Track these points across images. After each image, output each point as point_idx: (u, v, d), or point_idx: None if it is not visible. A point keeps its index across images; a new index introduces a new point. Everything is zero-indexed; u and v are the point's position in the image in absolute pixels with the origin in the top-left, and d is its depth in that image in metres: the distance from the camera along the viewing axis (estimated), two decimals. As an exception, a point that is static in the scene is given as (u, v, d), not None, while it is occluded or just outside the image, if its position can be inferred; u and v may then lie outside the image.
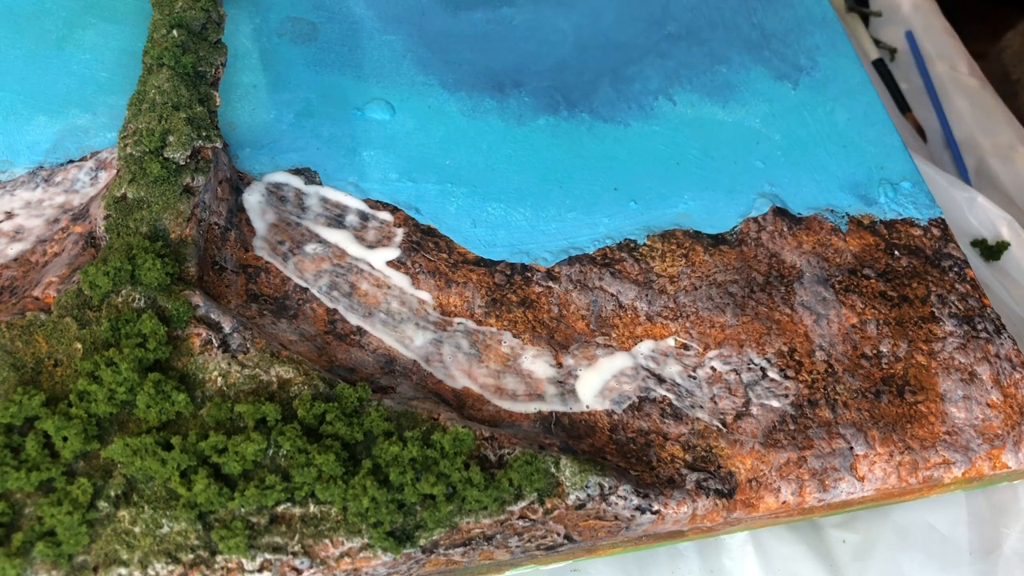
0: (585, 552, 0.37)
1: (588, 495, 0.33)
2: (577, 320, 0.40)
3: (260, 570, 0.31)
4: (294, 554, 0.32)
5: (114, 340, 0.34)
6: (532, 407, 0.37)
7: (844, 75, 0.51)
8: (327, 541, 0.32)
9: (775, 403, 0.39)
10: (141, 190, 0.37)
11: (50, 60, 0.44)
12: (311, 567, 0.32)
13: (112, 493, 0.31)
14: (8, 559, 0.30)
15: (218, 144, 0.40)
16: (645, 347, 0.39)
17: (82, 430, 0.32)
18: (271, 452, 0.33)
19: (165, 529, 0.31)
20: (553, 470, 0.33)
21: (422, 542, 0.32)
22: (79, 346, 0.34)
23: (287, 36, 0.47)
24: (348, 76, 0.46)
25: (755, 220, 0.44)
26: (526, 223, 0.42)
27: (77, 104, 0.43)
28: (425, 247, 0.41)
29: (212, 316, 0.35)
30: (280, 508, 0.32)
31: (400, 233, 0.41)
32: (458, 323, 0.39)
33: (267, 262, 0.39)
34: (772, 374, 0.39)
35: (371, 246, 0.40)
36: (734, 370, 0.39)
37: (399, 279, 0.40)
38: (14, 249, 0.38)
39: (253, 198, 0.41)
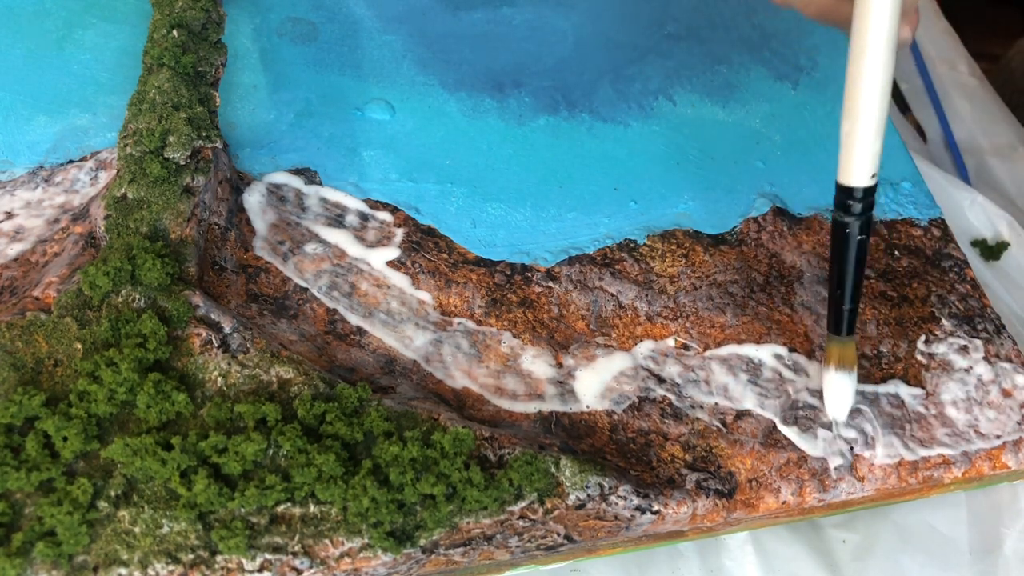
0: (585, 552, 0.37)
1: (588, 495, 0.33)
2: (577, 320, 0.40)
3: (260, 570, 0.31)
4: (294, 554, 0.32)
5: (114, 340, 0.34)
6: (532, 407, 0.37)
7: (844, 75, 0.51)
8: (327, 541, 0.32)
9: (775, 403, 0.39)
10: (141, 190, 0.37)
11: (50, 60, 0.44)
12: (311, 567, 0.32)
13: (112, 493, 0.31)
14: (8, 559, 0.30)
15: (218, 144, 0.40)
16: (645, 347, 0.39)
17: (82, 430, 0.32)
18: (271, 452, 0.33)
19: (165, 529, 0.31)
20: (553, 470, 0.33)
21: (422, 542, 0.32)
22: (79, 346, 0.34)
23: (287, 36, 0.47)
24: (348, 76, 0.46)
25: (755, 220, 0.44)
26: (526, 223, 0.42)
27: (77, 104, 0.43)
28: (425, 247, 0.41)
29: (212, 316, 0.35)
30: (280, 508, 0.32)
31: (400, 233, 0.41)
32: (458, 323, 0.39)
33: (267, 262, 0.39)
34: (772, 374, 0.39)
35: (371, 246, 0.40)
36: (734, 370, 0.39)
37: (399, 279, 0.40)
38: (14, 249, 0.38)
39: (253, 198, 0.41)
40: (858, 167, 0.34)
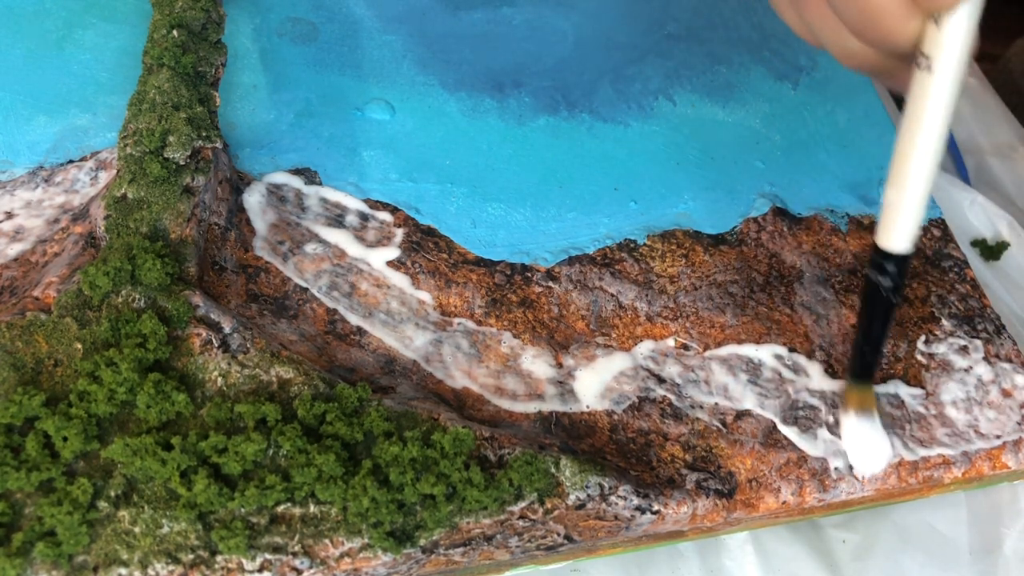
0: (585, 552, 0.37)
1: (588, 495, 0.33)
2: (577, 320, 0.40)
3: (260, 570, 0.31)
4: (294, 554, 0.32)
5: (114, 340, 0.34)
6: (532, 407, 0.37)
7: (844, 75, 0.51)
8: (327, 541, 0.32)
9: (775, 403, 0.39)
10: (141, 190, 0.37)
11: (50, 60, 0.44)
12: (311, 567, 0.32)
13: (112, 493, 0.31)
14: (8, 559, 0.30)
15: (218, 144, 0.40)
16: (645, 347, 0.39)
17: (82, 430, 0.32)
18: (271, 452, 0.33)
19: (165, 529, 0.31)
20: (553, 470, 0.33)
21: (422, 542, 0.32)
22: (79, 346, 0.34)
23: (287, 36, 0.47)
24: (348, 76, 0.46)
25: (755, 220, 0.44)
26: (526, 223, 0.42)
27: (77, 104, 0.43)
28: (425, 247, 0.41)
29: (212, 316, 0.35)
30: (280, 508, 0.32)
31: (400, 233, 0.41)
32: (458, 323, 0.39)
33: (267, 262, 0.39)
34: (772, 374, 0.39)
35: (371, 246, 0.40)
36: (734, 370, 0.39)
37: (399, 279, 0.40)
38: (14, 249, 0.38)
39: (253, 198, 0.41)
40: (899, 234, 0.33)
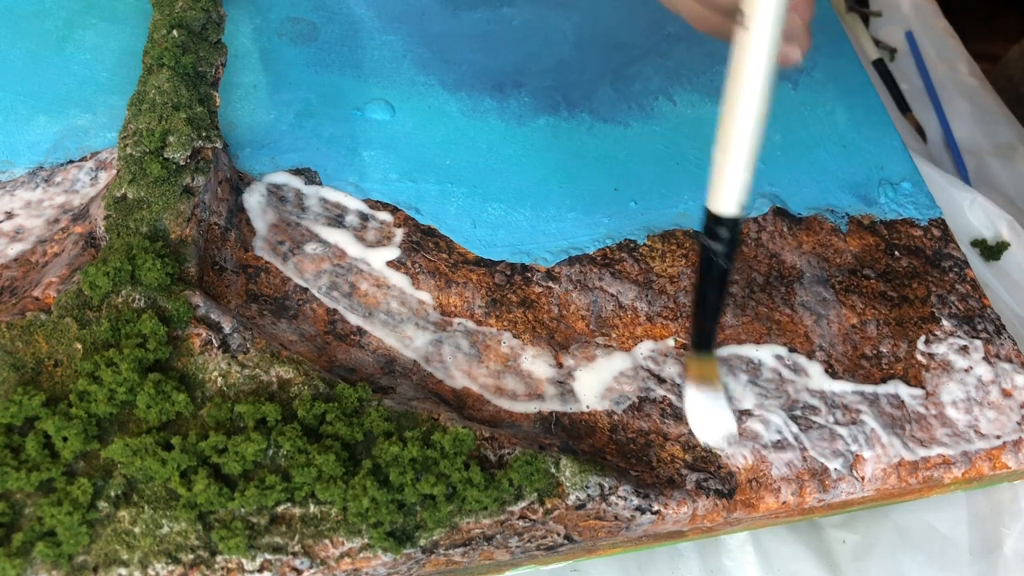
0: (585, 552, 0.37)
1: (588, 495, 0.33)
2: (577, 320, 0.40)
3: (260, 570, 0.31)
4: (294, 554, 0.32)
5: (114, 340, 0.34)
6: (532, 407, 0.37)
7: (844, 75, 0.51)
8: (327, 541, 0.32)
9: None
10: (141, 190, 0.37)
11: (50, 60, 0.44)
12: (311, 567, 0.32)
13: (112, 493, 0.31)
14: (8, 559, 0.30)
15: (218, 144, 0.40)
16: (645, 347, 0.39)
17: (82, 430, 0.32)
18: (271, 452, 0.33)
19: (165, 529, 0.31)
20: (553, 470, 0.33)
21: (422, 542, 0.32)
22: (79, 346, 0.34)
23: (287, 36, 0.47)
24: (348, 76, 0.46)
25: (755, 220, 0.44)
26: (526, 223, 0.42)
27: (77, 104, 0.43)
28: (425, 247, 0.41)
29: (212, 316, 0.35)
30: (280, 508, 0.32)
31: (400, 233, 0.41)
32: (458, 323, 0.39)
33: (267, 262, 0.39)
34: (772, 374, 0.39)
35: (371, 246, 0.40)
36: (734, 370, 0.39)
37: (399, 279, 0.40)
38: (14, 249, 0.38)
39: (253, 198, 0.41)
40: (727, 196, 0.33)
